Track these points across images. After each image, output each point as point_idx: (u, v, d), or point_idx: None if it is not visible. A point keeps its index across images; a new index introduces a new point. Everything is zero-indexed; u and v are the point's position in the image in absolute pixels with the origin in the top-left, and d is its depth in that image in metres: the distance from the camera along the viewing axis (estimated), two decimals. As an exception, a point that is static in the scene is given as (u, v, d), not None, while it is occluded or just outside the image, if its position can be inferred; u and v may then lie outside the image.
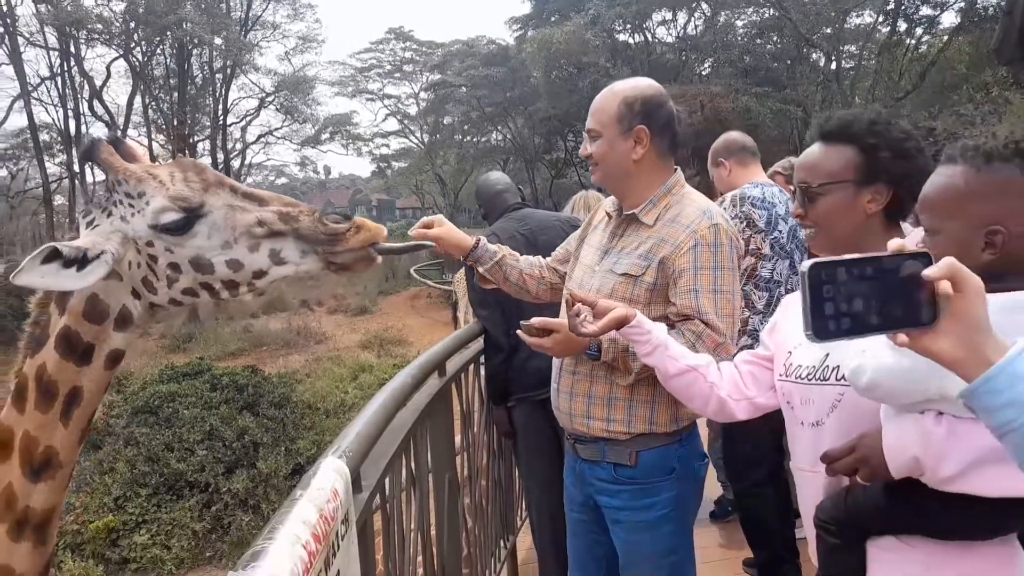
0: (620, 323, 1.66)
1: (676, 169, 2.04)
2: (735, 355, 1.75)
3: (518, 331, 1.96)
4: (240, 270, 1.47)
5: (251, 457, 8.78)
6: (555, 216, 3.34)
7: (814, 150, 1.48)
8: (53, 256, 1.33)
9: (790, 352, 1.48)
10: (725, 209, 2.94)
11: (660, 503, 1.95)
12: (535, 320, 1.93)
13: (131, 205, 1.44)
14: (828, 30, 23.34)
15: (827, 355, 1.36)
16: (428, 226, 2.19)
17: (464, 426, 2.93)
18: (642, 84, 2.00)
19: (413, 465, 2.05)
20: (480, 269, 2.27)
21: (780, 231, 3.02)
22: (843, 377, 1.29)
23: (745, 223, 2.99)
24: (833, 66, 23.96)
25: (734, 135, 3.37)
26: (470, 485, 2.97)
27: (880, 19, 23.42)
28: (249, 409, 9.55)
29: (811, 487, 1.40)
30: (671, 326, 1.85)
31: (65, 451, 1.46)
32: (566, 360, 2.02)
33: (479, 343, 3.08)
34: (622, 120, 1.93)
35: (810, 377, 1.40)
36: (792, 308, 1.55)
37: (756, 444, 3.06)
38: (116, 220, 1.45)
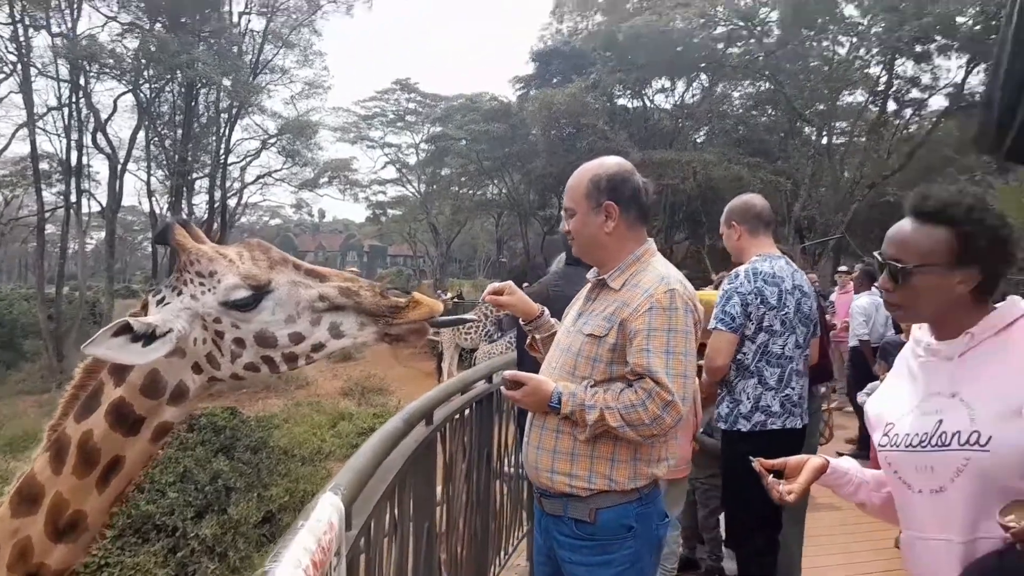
0: (819, 472, 1.63)
1: (648, 240, 2.17)
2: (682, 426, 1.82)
3: (501, 386, 2.06)
4: (301, 342, 1.53)
5: (222, 502, 8.61)
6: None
7: (906, 227, 1.46)
8: (124, 330, 1.39)
9: (891, 423, 1.48)
10: (741, 284, 3.03)
11: (616, 560, 2.01)
12: (507, 373, 2.07)
13: (202, 283, 1.51)
14: (821, 106, 24.08)
15: (940, 421, 1.37)
16: (499, 292, 2.31)
17: (446, 477, 2.95)
18: (608, 162, 2.16)
19: (397, 511, 2.08)
20: (538, 336, 2.38)
21: (788, 307, 3.05)
22: (967, 442, 1.31)
23: (759, 299, 3.01)
24: (824, 141, 24.64)
25: (752, 201, 3.30)
26: (447, 539, 2.97)
27: (870, 99, 24.21)
28: (225, 452, 9.40)
29: (936, 554, 1.38)
30: (628, 384, 1.95)
31: (94, 516, 1.50)
32: (536, 414, 2.10)
33: (465, 396, 3.14)
34: (591, 197, 2.10)
35: (923, 444, 1.39)
36: (888, 381, 1.62)
37: (759, 512, 3.02)
38: (186, 298, 1.51)
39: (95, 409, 1.49)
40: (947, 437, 1.35)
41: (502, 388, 2.07)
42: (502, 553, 3.79)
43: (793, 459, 1.65)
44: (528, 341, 2.45)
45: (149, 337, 1.43)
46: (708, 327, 3.06)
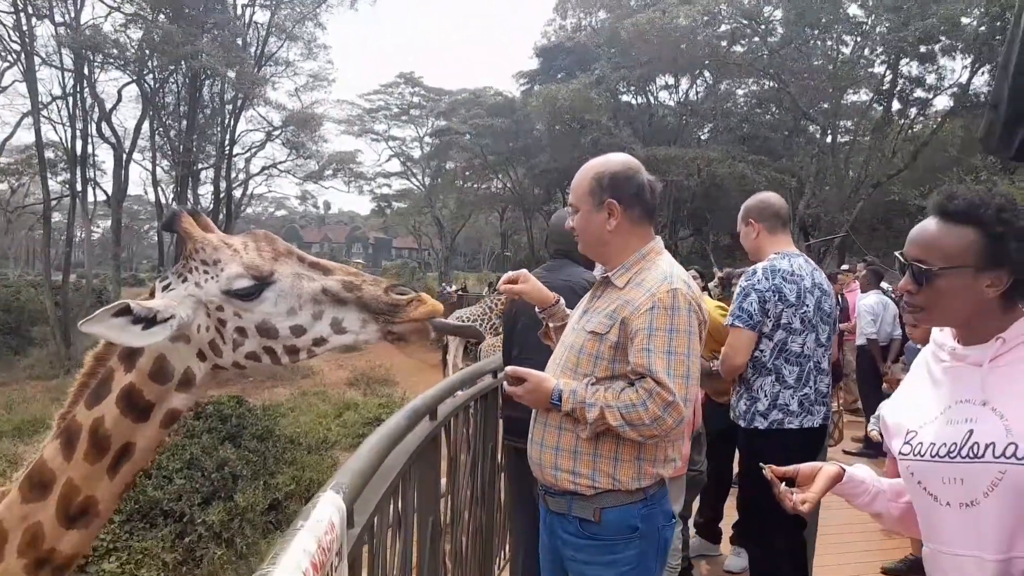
0: (834, 481, 1.58)
1: (655, 237, 2.16)
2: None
3: (503, 382, 2.07)
4: (302, 335, 1.54)
5: (229, 489, 8.62)
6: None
7: (931, 227, 1.39)
8: (124, 312, 1.40)
9: (913, 431, 1.42)
10: (759, 281, 3.00)
11: (622, 560, 2.00)
12: (508, 369, 2.06)
13: (206, 271, 1.52)
14: (825, 105, 23.95)
15: (971, 431, 1.30)
16: (514, 280, 2.33)
17: (450, 471, 2.97)
18: (612, 160, 2.15)
19: (400, 506, 2.10)
20: (551, 324, 2.40)
21: (808, 305, 3.01)
22: (1004, 454, 1.25)
23: (777, 296, 2.98)
24: (829, 140, 24.53)
25: (770, 199, 3.26)
26: (451, 531, 3.00)
27: (875, 98, 24.11)
28: (231, 440, 9.40)
29: (965, 570, 1.32)
30: (630, 383, 1.94)
31: (105, 502, 1.51)
32: (539, 411, 2.10)
33: (469, 391, 3.15)
34: (593, 194, 2.10)
35: (951, 454, 1.32)
36: (906, 386, 1.53)
37: (779, 513, 3.03)
38: (191, 285, 1.52)
39: (106, 396, 1.50)
40: (979, 448, 1.28)
41: (503, 384, 2.07)
42: (507, 546, 3.82)
43: (806, 466, 1.60)
44: (542, 329, 2.47)
45: (150, 321, 1.43)
46: (725, 324, 3.08)
